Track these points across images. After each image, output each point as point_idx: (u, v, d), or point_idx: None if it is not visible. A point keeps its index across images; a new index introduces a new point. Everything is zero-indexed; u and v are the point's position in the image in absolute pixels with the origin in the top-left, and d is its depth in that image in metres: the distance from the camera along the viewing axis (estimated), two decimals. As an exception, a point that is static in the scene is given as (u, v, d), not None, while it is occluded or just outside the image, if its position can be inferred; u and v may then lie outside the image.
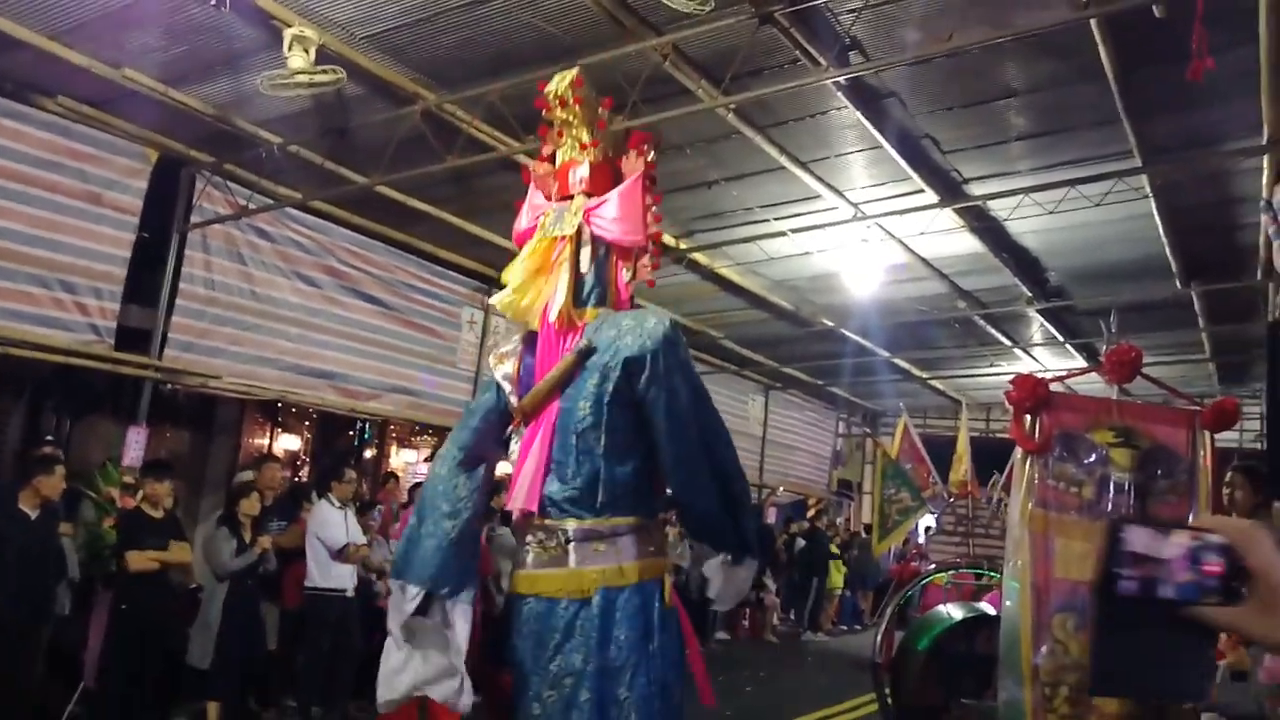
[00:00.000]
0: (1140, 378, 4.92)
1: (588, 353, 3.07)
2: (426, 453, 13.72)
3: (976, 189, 8.31)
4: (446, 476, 3.24)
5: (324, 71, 5.46)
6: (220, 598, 6.67)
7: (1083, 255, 9.84)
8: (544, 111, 3.42)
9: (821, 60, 5.99)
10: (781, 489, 17.98)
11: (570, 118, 3.39)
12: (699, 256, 10.49)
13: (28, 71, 7.01)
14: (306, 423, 11.06)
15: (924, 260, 10.12)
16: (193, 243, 8.39)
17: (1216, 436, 4.85)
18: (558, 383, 3.12)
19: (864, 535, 16.20)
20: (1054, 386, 4.79)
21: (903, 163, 7.64)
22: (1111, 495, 4.71)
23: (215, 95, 7.33)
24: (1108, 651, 1.15)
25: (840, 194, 8.54)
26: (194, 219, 8.33)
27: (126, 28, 6.29)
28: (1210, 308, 11.23)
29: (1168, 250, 9.23)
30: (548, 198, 3.42)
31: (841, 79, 6.26)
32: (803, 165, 7.96)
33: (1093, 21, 5.54)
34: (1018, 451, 5.03)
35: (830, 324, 12.90)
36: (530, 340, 3.32)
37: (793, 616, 15.08)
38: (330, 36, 6.12)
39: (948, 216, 8.71)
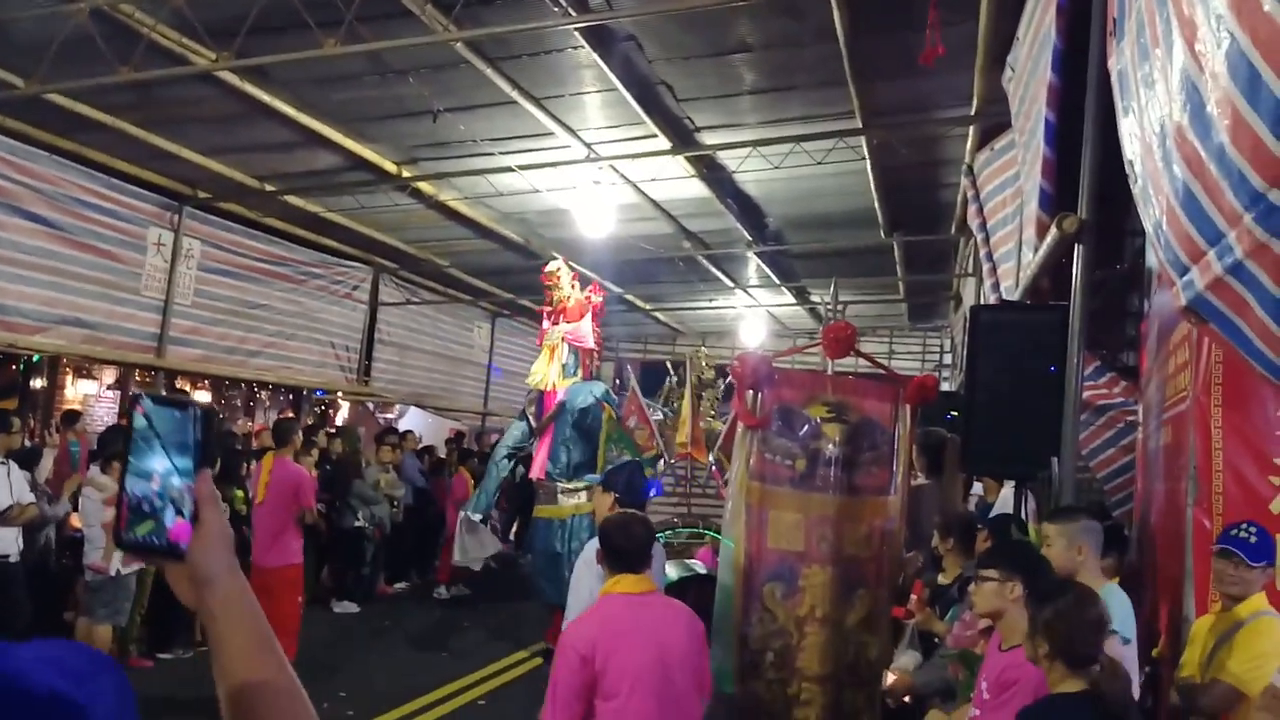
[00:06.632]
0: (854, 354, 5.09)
1: (563, 404, 8.08)
2: (110, 380, 12.25)
3: (708, 138, 8.26)
4: (504, 464, 8.55)
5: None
6: None
7: (800, 204, 10.18)
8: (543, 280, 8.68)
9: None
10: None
11: (560, 283, 8.57)
12: (423, 186, 9.84)
13: None
14: (-45, 356, 9.46)
15: (654, 202, 10.06)
16: None
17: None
18: (553, 417, 8.13)
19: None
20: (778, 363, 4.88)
21: (637, 107, 7.41)
22: (820, 469, 4.86)
23: None
24: None
25: (574, 133, 8.21)
26: None
27: None
28: (908, 256, 12.14)
29: (876, 204, 9.71)
30: (549, 321, 8.57)
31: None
32: (535, 101, 7.54)
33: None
34: (740, 424, 5.08)
35: (559, 258, 12.61)
36: (540, 395, 8.47)
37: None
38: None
39: (679, 164, 8.64)
